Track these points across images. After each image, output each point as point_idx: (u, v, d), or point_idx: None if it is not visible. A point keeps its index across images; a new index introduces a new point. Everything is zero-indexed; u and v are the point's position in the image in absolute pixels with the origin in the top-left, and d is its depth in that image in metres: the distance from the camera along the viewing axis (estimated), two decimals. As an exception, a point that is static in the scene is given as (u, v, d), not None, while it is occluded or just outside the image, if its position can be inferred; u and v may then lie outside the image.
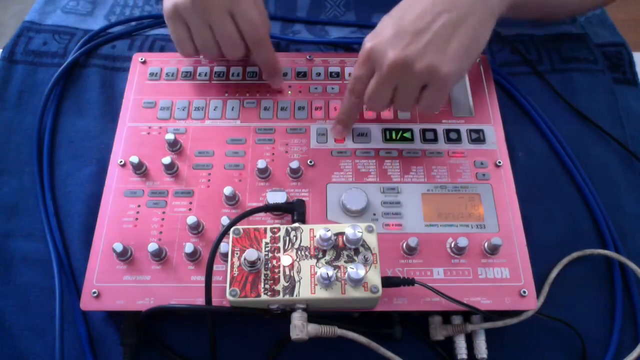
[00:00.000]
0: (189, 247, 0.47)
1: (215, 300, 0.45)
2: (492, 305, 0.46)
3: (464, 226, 0.50)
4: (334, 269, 0.43)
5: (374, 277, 0.43)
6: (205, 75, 0.59)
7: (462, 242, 0.47)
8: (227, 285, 0.42)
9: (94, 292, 0.46)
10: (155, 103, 0.57)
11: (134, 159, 0.51)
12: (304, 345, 0.44)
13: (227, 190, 0.50)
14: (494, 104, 0.57)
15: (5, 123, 0.61)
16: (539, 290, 0.48)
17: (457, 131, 0.55)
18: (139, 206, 0.51)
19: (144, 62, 0.60)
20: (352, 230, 0.43)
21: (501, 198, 0.51)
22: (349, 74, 0.59)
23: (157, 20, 0.69)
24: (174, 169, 0.53)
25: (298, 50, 0.66)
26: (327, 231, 0.43)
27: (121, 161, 0.53)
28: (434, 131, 0.55)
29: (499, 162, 0.53)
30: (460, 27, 0.45)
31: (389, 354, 0.43)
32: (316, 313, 0.44)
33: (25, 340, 0.49)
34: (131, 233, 0.49)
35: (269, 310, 0.43)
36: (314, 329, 0.42)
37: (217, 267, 0.47)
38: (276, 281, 0.42)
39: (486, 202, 0.51)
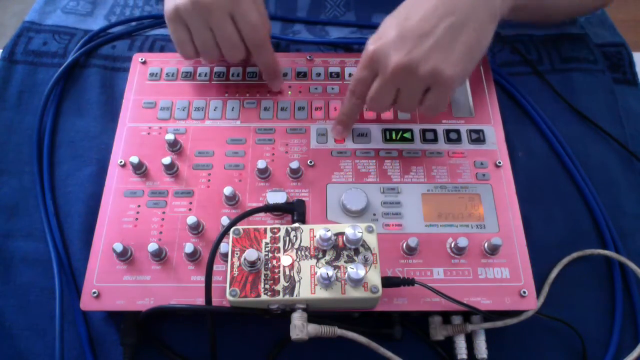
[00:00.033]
0: (189, 247, 0.47)
1: (215, 300, 0.45)
2: (492, 305, 0.46)
3: (464, 226, 0.50)
4: (334, 269, 0.43)
5: (374, 277, 0.43)
6: (205, 75, 0.59)
7: (462, 242, 0.47)
8: (227, 285, 0.42)
9: (94, 292, 0.46)
10: (155, 103, 0.57)
11: (134, 159, 0.51)
12: (304, 345, 0.44)
13: (227, 191, 0.50)
14: (494, 104, 0.57)
15: (5, 123, 0.61)
16: (539, 290, 0.48)
17: (457, 131, 0.55)
18: (139, 206, 0.51)
19: (144, 63, 0.60)
20: (352, 230, 0.43)
21: (501, 198, 0.51)
22: (349, 74, 0.59)
23: (157, 20, 0.69)
24: (174, 169, 0.53)
25: (298, 50, 0.66)
26: (327, 231, 0.43)
27: (121, 161, 0.53)
28: (434, 131, 0.55)
29: (499, 162, 0.53)
30: (463, 30, 0.45)
31: (389, 354, 0.43)
32: (316, 313, 0.44)
33: (25, 340, 0.49)
34: (131, 233, 0.49)
35: (269, 310, 0.43)
36: (314, 329, 0.42)
37: (217, 267, 0.47)
38: (276, 281, 0.42)
39: (486, 202, 0.51)
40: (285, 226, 0.45)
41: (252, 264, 0.42)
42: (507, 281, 0.47)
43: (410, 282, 0.44)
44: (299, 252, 0.44)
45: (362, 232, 0.43)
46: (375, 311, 0.46)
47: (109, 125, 0.59)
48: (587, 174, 0.57)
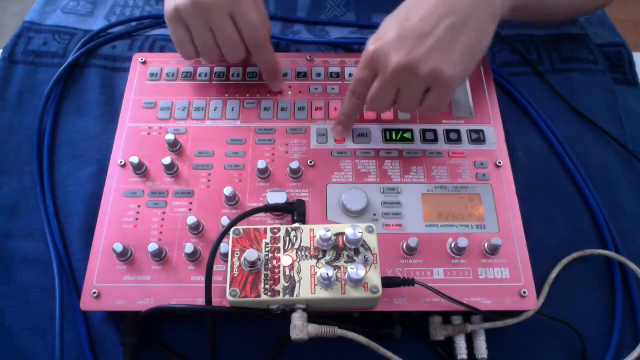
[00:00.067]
0: (189, 247, 0.47)
1: (215, 300, 0.45)
2: (492, 305, 0.46)
3: (464, 226, 0.50)
4: (334, 269, 0.43)
5: (374, 277, 0.43)
6: (205, 75, 0.59)
7: (462, 242, 0.47)
8: (227, 285, 0.42)
9: (94, 292, 0.46)
10: (155, 103, 0.57)
11: (134, 159, 0.51)
12: (304, 345, 0.44)
13: (227, 191, 0.50)
14: (494, 104, 0.57)
15: (5, 123, 0.61)
16: (539, 290, 0.48)
17: (457, 131, 0.55)
18: (139, 206, 0.51)
19: (144, 63, 0.60)
20: (352, 230, 0.43)
21: (501, 198, 0.51)
22: (349, 74, 0.59)
23: (157, 20, 0.69)
24: (174, 169, 0.53)
25: (298, 50, 0.66)
26: (327, 231, 0.43)
27: (121, 161, 0.53)
28: (434, 131, 0.55)
29: (499, 162, 0.53)
30: (463, 30, 0.45)
31: (389, 354, 0.43)
32: (316, 313, 0.44)
33: (25, 340, 0.49)
34: (131, 233, 0.49)
35: (269, 310, 0.43)
36: (314, 329, 0.42)
37: (217, 267, 0.47)
38: (276, 281, 0.42)
39: (486, 202, 0.51)
40: (285, 226, 0.45)
41: (252, 264, 0.42)
42: (507, 281, 0.47)
43: (410, 282, 0.44)
44: (299, 252, 0.44)
45: (362, 232, 0.43)
46: (375, 311, 0.46)
47: (109, 125, 0.59)
48: (587, 174, 0.57)
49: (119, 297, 0.46)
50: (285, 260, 0.43)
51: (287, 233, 0.45)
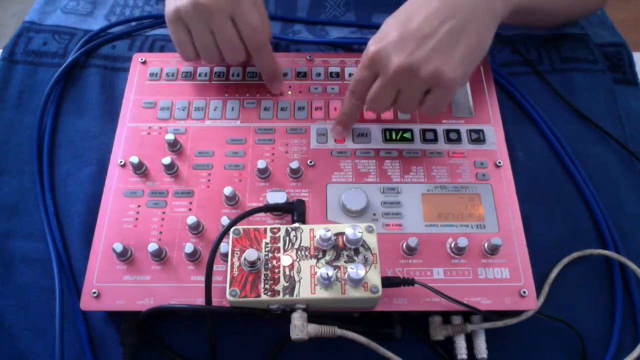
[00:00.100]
0: (189, 247, 0.47)
1: (215, 300, 0.45)
2: (492, 305, 0.46)
3: (464, 226, 0.50)
4: (334, 269, 0.43)
5: (374, 277, 0.43)
6: (205, 75, 0.59)
7: (462, 242, 0.47)
8: (227, 285, 0.42)
9: (94, 292, 0.46)
10: (155, 103, 0.57)
11: (134, 159, 0.51)
12: (304, 345, 0.44)
13: (227, 191, 0.50)
14: (494, 104, 0.57)
15: (5, 123, 0.61)
16: (539, 290, 0.48)
17: (457, 131, 0.55)
18: (139, 206, 0.51)
19: (144, 63, 0.60)
20: (352, 230, 0.43)
21: (501, 198, 0.51)
22: (349, 74, 0.59)
23: (157, 20, 0.69)
24: (174, 169, 0.53)
25: (298, 50, 0.66)
26: (327, 231, 0.43)
27: (121, 161, 0.53)
28: (434, 131, 0.55)
29: (499, 162, 0.53)
30: (464, 33, 0.46)
31: (389, 354, 0.43)
32: (316, 313, 0.44)
33: (25, 340, 0.49)
34: (131, 233, 0.49)
35: (269, 310, 0.43)
36: (314, 329, 0.42)
37: (217, 267, 0.47)
38: (276, 281, 0.42)
39: (486, 202, 0.51)
40: (285, 226, 0.45)
41: (252, 264, 0.42)
42: (507, 281, 0.47)
43: (410, 282, 0.44)
44: (299, 252, 0.44)
45: (362, 232, 0.43)
46: (375, 311, 0.46)
47: (109, 125, 0.59)
48: (587, 174, 0.57)
49: (119, 297, 0.46)
50: (285, 260, 0.43)
51: (287, 233, 0.45)
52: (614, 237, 0.53)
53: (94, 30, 0.67)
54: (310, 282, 0.42)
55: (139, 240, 0.49)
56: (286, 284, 0.42)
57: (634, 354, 0.47)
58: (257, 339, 0.48)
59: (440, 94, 0.47)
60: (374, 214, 0.50)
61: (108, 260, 0.48)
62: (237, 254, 0.44)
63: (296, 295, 0.42)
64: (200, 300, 0.46)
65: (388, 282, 0.44)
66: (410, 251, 0.48)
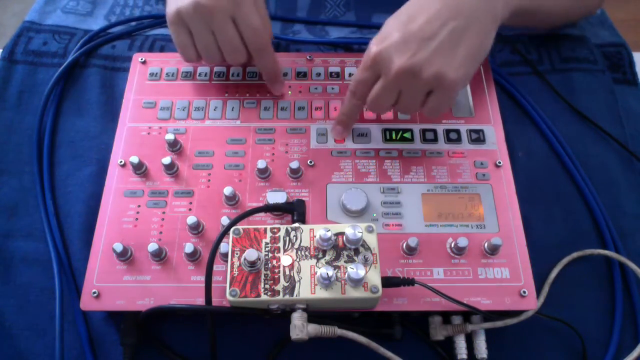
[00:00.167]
0: (189, 247, 0.47)
1: (215, 300, 0.45)
2: (492, 305, 0.46)
3: (464, 226, 0.50)
4: (334, 269, 0.43)
5: (374, 277, 0.43)
6: (205, 75, 0.59)
7: (462, 242, 0.47)
8: (227, 285, 0.42)
9: (94, 292, 0.46)
10: (155, 103, 0.57)
11: (134, 159, 0.51)
12: (304, 345, 0.44)
13: (227, 191, 0.50)
14: (494, 104, 0.57)
15: (5, 123, 0.61)
16: (539, 290, 0.48)
17: (457, 131, 0.55)
18: (139, 206, 0.51)
19: (144, 62, 0.60)
20: (352, 230, 0.43)
21: (501, 198, 0.51)
22: (349, 74, 0.59)
23: (157, 20, 0.69)
24: (174, 169, 0.53)
25: (298, 50, 0.66)
26: (327, 231, 0.43)
27: (121, 161, 0.53)
28: (434, 131, 0.55)
29: (499, 162, 0.53)
30: (466, 34, 0.46)
31: (389, 354, 0.43)
32: (316, 313, 0.44)
33: (25, 340, 0.49)
34: (131, 233, 0.49)
35: (269, 310, 0.43)
36: (314, 329, 0.42)
37: (217, 267, 0.47)
38: (276, 281, 0.42)
39: (486, 202, 0.51)
40: (285, 226, 0.45)
41: (252, 264, 0.42)
42: (507, 281, 0.47)
43: (410, 282, 0.44)
44: (299, 252, 0.44)
45: (362, 232, 0.43)
46: (375, 311, 0.46)
47: (109, 125, 0.59)
48: (587, 174, 0.57)
49: (119, 297, 0.46)
50: (285, 260, 0.43)
51: (287, 233, 0.45)
52: (614, 237, 0.53)
53: (94, 30, 0.67)
54: (310, 282, 0.42)
55: (139, 240, 0.49)
56: (286, 284, 0.42)
57: (634, 354, 0.47)
58: (257, 339, 0.48)
59: (442, 95, 0.47)
60: (374, 214, 0.50)
61: (108, 260, 0.48)
62: (237, 254, 0.44)
63: (296, 295, 0.42)
64: (200, 300, 0.46)
65: (388, 282, 0.44)
66: (410, 251, 0.48)
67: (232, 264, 0.43)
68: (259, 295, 0.42)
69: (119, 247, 0.47)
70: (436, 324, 0.47)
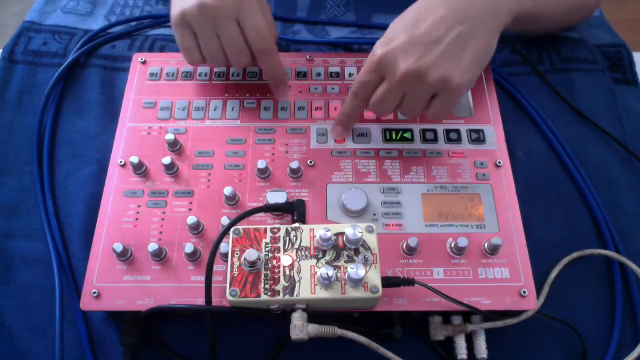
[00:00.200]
0: (189, 247, 0.47)
1: (215, 300, 0.45)
2: (492, 305, 0.46)
3: (464, 226, 0.50)
4: (334, 269, 0.43)
5: (374, 277, 0.43)
6: (205, 75, 0.59)
7: (462, 242, 0.47)
8: (227, 285, 0.42)
9: (94, 292, 0.46)
10: (155, 103, 0.57)
11: (134, 159, 0.51)
12: (304, 345, 0.44)
13: (227, 191, 0.50)
14: (494, 104, 0.57)
15: (5, 123, 0.61)
16: (539, 290, 0.48)
17: (457, 131, 0.55)
18: (139, 206, 0.51)
19: (144, 62, 0.60)
20: (352, 230, 0.43)
21: (501, 198, 0.51)
22: (349, 74, 0.59)
23: (157, 20, 0.69)
24: (174, 169, 0.53)
25: (298, 50, 0.66)
26: (327, 231, 0.43)
27: (121, 161, 0.53)
28: (434, 131, 0.55)
29: (499, 162, 0.53)
30: (472, 39, 0.46)
31: (389, 354, 0.43)
32: (316, 313, 0.44)
33: (25, 340, 0.49)
34: (131, 233, 0.49)
35: (269, 310, 0.43)
36: (314, 329, 0.42)
37: (217, 267, 0.47)
38: (276, 281, 0.42)
39: (486, 202, 0.51)
40: (285, 226, 0.45)
41: (252, 264, 0.42)
42: (507, 281, 0.47)
43: (410, 282, 0.44)
44: (299, 252, 0.44)
45: (362, 232, 0.43)
46: (375, 311, 0.46)
47: (109, 125, 0.59)
48: (587, 174, 0.57)
49: (119, 297, 0.46)
50: (285, 260, 0.43)
51: (287, 233, 0.45)
52: (614, 237, 0.53)
53: (94, 30, 0.67)
54: (310, 282, 0.42)
55: (139, 240, 0.49)
56: (286, 284, 0.42)
57: (634, 354, 0.47)
58: (257, 339, 0.48)
59: (446, 99, 0.47)
60: (374, 214, 0.50)
61: (108, 260, 0.48)
62: (237, 254, 0.44)
63: (296, 295, 0.42)
64: (200, 300, 0.46)
65: (388, 282, 0.44)
66: (410, 251, 0.48)
67: (232, 264, 0.43)
68: (259, 295, 0.42)
69: (119, 247, 0.47)
70: (436, 324, 0.47)
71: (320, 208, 0.51)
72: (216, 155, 0.54)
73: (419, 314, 0.48)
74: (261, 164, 0.51)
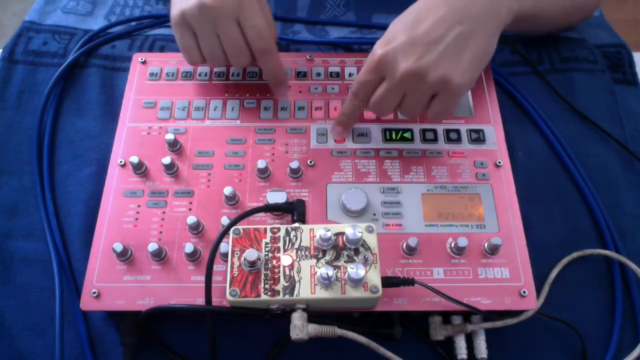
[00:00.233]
0: (189, 247, 0.47)
1: (215, 300, 0.45)
2: (492, 305, 0.46)
3: (464, 226, 0.50)
4: (334, 269, 0.43)
5: (374, 277, 0.43)
6: (205, 75, 0.59)
7: (462, 242, 0.47)
8: (227, 285, 0.42)
9: (94, 292, 0.46)
10: (155, 103, 0.57)
11: (134, 159, 0.51)
12: (304, 345, 0.44)
13: (227, 190, 0.50)
14: (494, 104, 0.57)
15: (5, 123, 0.61)
16: (539, 290, 0.48)
17: (457, 131, 0.55)
18: (139, 206, 0.51)
19: (144, 62, 0.60)
20: (352, 230, 0.43)
21: (501, 198, 0.51)
22: (349, 74, 0.59)
23: (157, 20, 0.69)
24: (174, 169, 0.53)
25: (298, 50, 0.66)
26: (327, 231, 0.43)
27: (121, 161, 0.53)
28: (434, 131, 0.55)
29: (499, 162, 0.53)
30: (472, 39, 0.46)
31: (389, 354, 0.43)
32: (316, 313, 0.44)
33: (25, 340, 0.49)
34: (131, 233, 0.49)
35: (269, 310, 0.43)
36: (314, 329, 0.42)
37: (217, 267, 0.47)
38: (276, 281, 0.42)
39: (486, 202, 0.51)
40: (285, 226, 0.45)
41: (252, 264, 0.42)
42: (507, 281, 0.47)
43: (410, 282, 0.44)
44: (299, 252, 0.44)
45: (362, 232, 0.43)
46: (375, 311, 0.46)
47: (109, 125, 0.59)
48: (587, 174, 0.57)
49: (119, 297, 0.46)
50: (285, 260, 0.43)
51: (287, 233, 0.45)
52: (614, 237, 0.53)
53: (94, 30, 0.67)
54: (310, 282, 0.42)
55: (139, 240, 0.49)
56: (286, 284, 0.42)
57: (634, 354, 0.47)
58: (257, 339, 0.48)
59: (446, 99, 0.47)
60: (374, 214, 0.50)
61: (108, 260, 0.48)
62: (237, 253, 0.44)
63: (296, 295, 0.42)
64: (200, 300, 0.46)
65: (388, 282, 0.44)
66: (410, 251, 0.48)
67: (232, 264, 0.43)
68: (259, 295, 0.42)
69: (119, 247, 0.47)
70: (436, 324, 0.47)
71: (320, 208, 0.51)
72: (216, 155, 0.54)
73: (419, 314, 0.48)
74: (261, 164, 0.51)
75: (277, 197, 0.50)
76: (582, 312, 0.50)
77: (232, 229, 0.44)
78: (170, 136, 0.53)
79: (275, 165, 0.53)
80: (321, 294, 0.42)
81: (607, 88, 0.63)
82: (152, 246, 0.47)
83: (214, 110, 0.57)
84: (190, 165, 0.53)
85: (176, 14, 0.51)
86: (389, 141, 0.55)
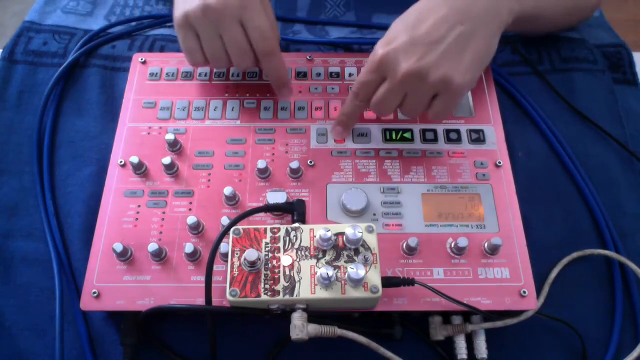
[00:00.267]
0: (189, 247, 0.47)
1: (215, 300, 0.45)
2: (492, 305, 0.46)
3: (464, 226, 0.50)
4: (334, 269, 0.43)
5: (374, 277, 0.43)
6: (205, 75, 0.59)
7: (462, 242, 0.47)
8: (227, 285, 0.42)
9: (94, 292, 0.46)
10: (155, 103, 0.57)
11: (134, 159, 0.51)
12: (304, 345, 0.44)
13: (227, 191, 0.50)
14: (494, 104, 0.57)
15: (5, 123, 0.61)
16: (539, 290, 0.48)
17: (457, 131, 0.55)
18: (139, 206, 0.51)
19: (144, 62, 0.60)
20: (352, 230, 0.43)
21: (501, 198, 0.51)
22: (349, 74, 0.59)
23: (157, 20, 0.69)
24: (174, 169, 0.53)
25: (298, 50, 0.66)
26: (327, 231, 0.43)
27: (121, 161, 0.53)
28: (434, 131, 0.55)
29: (499, 162, 0.53)
30: (473, 39, 0.46)
31: (389, 354, 0.43)
32: (316, 313, 0.44)
33: (25, 340, 0.49)
34: (131, 233, 0.49)
35: (269, 310, 0.43)
36: (314, 329, 0.42)
37: (217, 267, 0.47)
38: (276, 281, 0.42)
39: (486, 202, 0.51)
40: (285, 226, 0.45)
41: (252, 264, 0.42)
42: (507, 281, 0.47)
43: (410, 282, 0.44)
44: (299, 252, 0.44)
45: (362, 232, 0.43)
46: (375, 311, 0.46)
47: (109, 125, 0.59)
48: (587, 174, 0.57)
49: (119, 297, 0.46)
50: (285, 260, 0.43)
51: (287, 233, 0.45)
52: (614, 237, 0.53)
53: (94, 30, 0.67)
54: (310, 282, 0.42)
55: (139, 240, 0.49)
56: (286, 284, 0.42)
57: (634, 354, 0.47)
58: (257, 339, 0.48)
59: (448, 99, 0.47)
60: (374, 214, 0.50)
61: (108, 260, 0.48)
62: (237, 254, 0.44)
63: (296, 295, 0.42)
64: (200, 300, 0.46)
65: (388, 282, 0.44)
66: (410, 251, 0.48)
67: (232, 264, 0.43)
68: (259, 295, 0.42)
69: (119, 247, 0.47)
70: (436, 324, 0.47)
71: (320, 208, 0.51)
72: (216, 155, 0.54)
73: (419, 314, 0.48)
74: (261, 164, 0.51)
75: (277, 197, 0.50)
76: (582, 312, 0.50)
77: (232, 229, 0.44)
78: (170, 136, 0.53)
79: (275, 165, 0.53)
80: (321, 294, 0.42)
81: (607, 88, 0.63)
82: (152, 246, 0.47)
83: (214, 110, 0.57)
84: (190, 165, 0.53)
85: (179, 15, 0.51)
86: (389, 141, 0.55)
